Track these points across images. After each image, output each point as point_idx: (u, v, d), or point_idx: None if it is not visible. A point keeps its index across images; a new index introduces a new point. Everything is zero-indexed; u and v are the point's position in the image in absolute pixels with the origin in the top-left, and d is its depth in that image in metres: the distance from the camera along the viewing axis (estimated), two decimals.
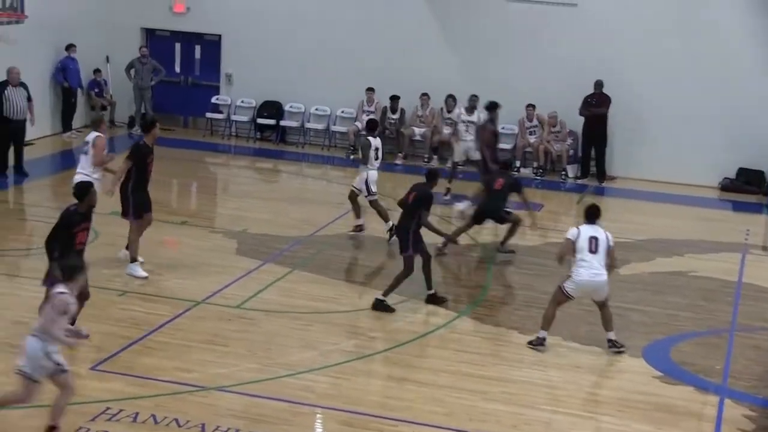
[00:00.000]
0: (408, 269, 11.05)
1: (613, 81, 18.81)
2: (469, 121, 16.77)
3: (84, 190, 9.21)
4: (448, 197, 16.42)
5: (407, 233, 11.06)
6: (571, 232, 10.16)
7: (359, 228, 13.97)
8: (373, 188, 13.80)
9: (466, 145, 16.67)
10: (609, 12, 19.14)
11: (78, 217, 9.09)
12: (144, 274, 11.44)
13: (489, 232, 15.22)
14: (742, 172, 18.95)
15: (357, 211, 13.96)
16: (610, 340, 10.25)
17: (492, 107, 15.98)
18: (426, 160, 19.95)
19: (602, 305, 10.23)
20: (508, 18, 19.55)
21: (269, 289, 11.44)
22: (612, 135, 19.22)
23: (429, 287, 11.35)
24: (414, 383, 9.16)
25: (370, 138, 13.84)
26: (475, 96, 17.18)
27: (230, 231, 13.82)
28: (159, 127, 11.79)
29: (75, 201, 9.23)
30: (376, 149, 13.80)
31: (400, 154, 19.94)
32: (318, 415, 8.46)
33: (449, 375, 9.38)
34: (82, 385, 8.40)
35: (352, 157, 13.85)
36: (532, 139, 19.42)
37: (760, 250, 15.16)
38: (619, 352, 10.19)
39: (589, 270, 9.95)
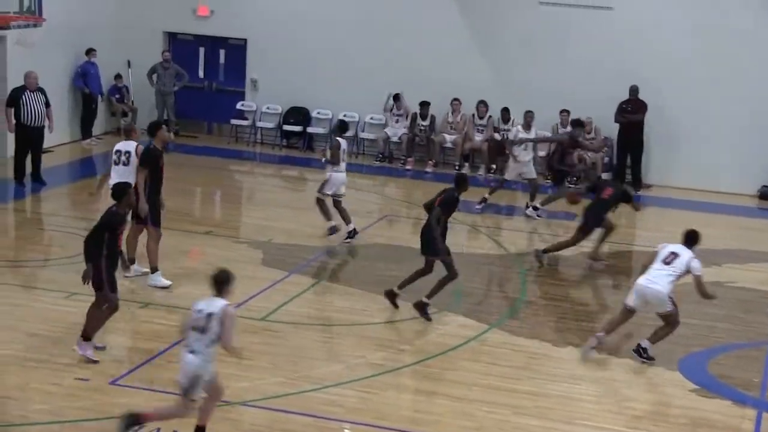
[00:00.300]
0: (451, 272, 11.11)
1: (649, 87, 18.79)
2: (527, 140, 16.75)
3: (122, 191, 9.53)
4: (480, 207, 16.45)
5: (435, 238, 11.11)
6: (660, 245, 10.50)
7: (352, 232, 14.09)
8: (329, 190, 13.94)
9: (521, 167, 16.60)
10: (645, 16, 19.12)
11: (120, 218, 9.35)
12: (167, 282, 11.54)
13: (522, 241, 15.25)
14: None
15: (345, 216, 14.10)
16: (642, 347, 10.27)
17: (576, 124, 16.36)
18: (457, 167, 19.97)
19: (663, 319, 10.29)
20: (541, 22, 19.57)
21: (295, 300, 11.52)
22: (648, 142, 19.18)
23: (400, 286, 11.38)
24: (444, 397, 9.21)
25: (340, 139, 14.04)
26: (530, 112, 17.16)
27: (255, 241, 13.92)
28: (165, 129, 11.92)
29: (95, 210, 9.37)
30: (343, 151, 13.97)
31: (430, 162, 19.98)
32: (346, 431, 8.52)
33: (480, 389, 9.40)
34: (101, 401, 8.52)
35: (324, 159, 14.15)
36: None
37: None
38: (643, 362, 10.22)
39: (648, 277, 10.15)
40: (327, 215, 14.08)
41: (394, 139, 20.34)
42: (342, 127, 14.75)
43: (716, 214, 17.48)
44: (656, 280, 10.12)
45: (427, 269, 11.31)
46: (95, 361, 9.26)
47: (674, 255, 10.20)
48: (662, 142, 19.22)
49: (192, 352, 7.61)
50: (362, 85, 20.36)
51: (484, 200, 16.55)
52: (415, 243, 14.13)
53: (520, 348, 10.59)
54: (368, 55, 20.27)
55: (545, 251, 13.67)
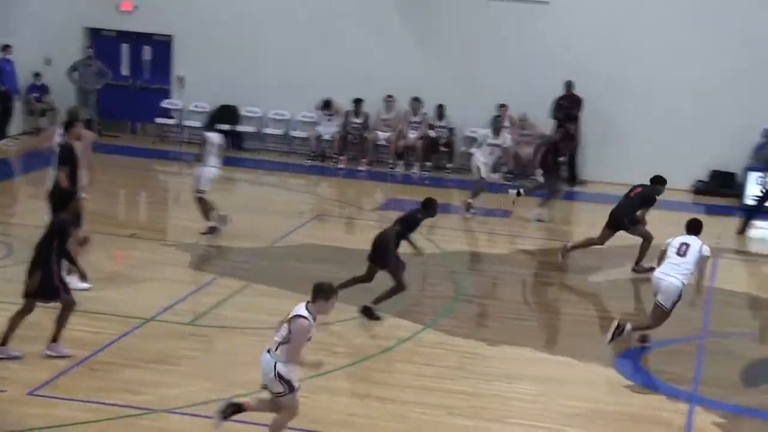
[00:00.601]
0: (400, 284, 11.23)
1: (584, 82, 19.09)
2: (494, 144, 16.81)
3: (68, 197, 9.51)
4: (470, 212, 16.46)
5: (387, 250, 11.26)
6: (666, 241, 10.83)
7: (212, 229, 14.20)
8: (205, 186, 14.15)
9: (487, 168, 16.71)
10: (580, 11, 19.44)
11: (69, 224, 9.54)
12: (86, 285, 11.38)
13: (458, 239, 15.37)
14: (714, 174, 19.36)
15: (207, 211, 14.24)
16: (622, 328, 10.51)
17: (569, 118, 16.61)
18: (391, 165, 20.07)
19: (653, 311, 10.57)
20: (476, 16, 19.74)
21: (224, 303, 11.47)
22: (583, 138, 19.48)
23: (376, 301, 11.40)
24: (378, 399, 9.25)
25: (209, 134, 14.27)
26: (499, 116, 17.22)
27: (182, 243, 13.84)
28: (80, 126, 11.83)
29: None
30: (217, 146, 14.19)
31: (363, 160, 20.04)
32: None
33: (415, 390, 9.47)
34: (19, 412, 8.38)
35: (195, 154, 14.43)
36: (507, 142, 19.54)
37: (732, 254, 15.48)
38: (614, 336, 10.49)
39: (663, 270, 10.51)
40: (207, 214, 14.17)
41: (327, 137, 20.34)
42: (212, 121, 15.00)
43: (651, 209, 17.79)
44: (671, 272, 10.47)
45: (367, 277, 11.40)
46: (69, 355, 9.39)
47: (686, 245, 10.58)
48: (597, 137, 19.54)
49: (268, 351, 7.76)
50: (293, 83, 20.32)
51: (469, 205, 16.46)
52: (348, 243, 14.29)
53: (454, 348, 10.68)
54: (300, 52, 20.22)
55: (636, 262, 13.70)
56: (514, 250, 14.96)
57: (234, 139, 20.91)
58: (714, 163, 19.36)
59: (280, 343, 7.65)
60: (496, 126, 17.00)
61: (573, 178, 19.50)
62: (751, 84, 18.90)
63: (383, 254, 11.23)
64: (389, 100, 20.07)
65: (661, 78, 19.19)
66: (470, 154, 17.50)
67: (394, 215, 15.15)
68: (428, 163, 20.02)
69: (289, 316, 7.71)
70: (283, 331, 7.66)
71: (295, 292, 12.03)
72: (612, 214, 13.80)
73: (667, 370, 10.42)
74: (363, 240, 14.90)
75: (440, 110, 19.97)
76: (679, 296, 10.48)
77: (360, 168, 19.83)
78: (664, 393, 9.83)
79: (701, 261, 10.61)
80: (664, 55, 19.15)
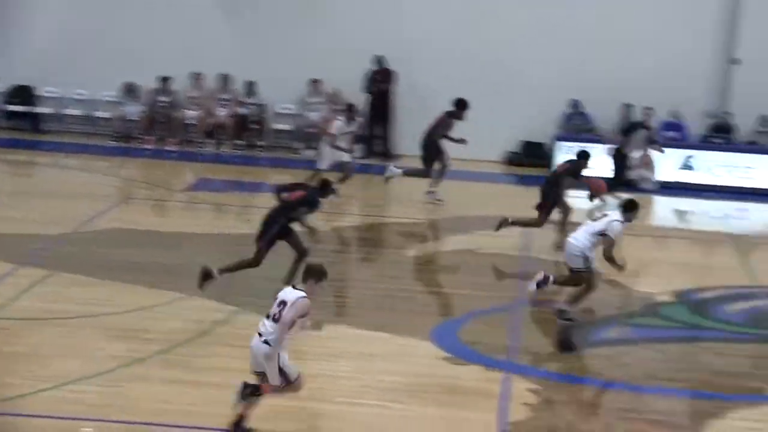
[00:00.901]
0: (253, 260, 11.35)
1: (397, 56, 19.42)
2: (348, 132, 16.68)
3: None
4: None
5: (271, 228, 11.32)
6: None
7: None
8: None
9: (339, 154, 16.50)
10: None
11: None
12: None
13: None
14: (524, 145, 20.16)
15: None
16: (560, 309, 11.01)
17: (459, 105, 16.51)
18: (200, 145, 19.86)
19: (579, 278, 10.92)
20: None
21: (26, 294, 11.13)
22: (397, 112, 19.84)
23: (222, 270, 11.34)
24: (195, 385, 9.17)
25: None
26: (352, 105, 17.15)
27: None
28: None
29: None
30: None
31: (171, 140, 19.75)
32: (87, 429, 8.32)
33: (235, 374, 9.35)
34: None
35: None
36: (315, 117, 19.68)
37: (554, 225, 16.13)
38: (566, 321, 10.97)
39: (573, 233, 11.01)
40: None
41: (132, 116, 19.90)
42: None
43: (466, 181, 18.37)
44: (577, 235, 10.86)
45: (302, 256, 11.42)
46: None
47: (604, 215, 10.97)
48: (412, 111, 19.87)
49: (266, 342, 7.85)
50: (95, 60, 19.78)
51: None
52: (158, 226, 14.10)
53: None
54: (101, 27, 19.69)
55: (513, 223, 13.79)
56: (332, 227, 15.10)
57: (31, 121, 20.21)
58: (524, 134, 20.11)
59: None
60: (350, 117, 16.83)
61: (387, 153, 19.82)
62: (558, 54, 19.70)
63: (264, 230, 11.33)
64: (197, 77, 19.81)
65: (471, 49, 19.70)
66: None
67: (205, 195, 15.22)
68: (239, 142, 19.91)
69: (282, 300, 7.86)
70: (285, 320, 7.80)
71: (102, 278, 11.81)
72: (541, 192, 13.94)
73: (483, 341, 10.73)
74: (174, 222, 14.80)
75: (250, 87, 19.87)
76: (588, 257, 10.81)
77: (168, 148, 19.53)
78: (481, 363, 10.14)
79: (603, 241, 10.77)
80: (470, 25, 19.67)
